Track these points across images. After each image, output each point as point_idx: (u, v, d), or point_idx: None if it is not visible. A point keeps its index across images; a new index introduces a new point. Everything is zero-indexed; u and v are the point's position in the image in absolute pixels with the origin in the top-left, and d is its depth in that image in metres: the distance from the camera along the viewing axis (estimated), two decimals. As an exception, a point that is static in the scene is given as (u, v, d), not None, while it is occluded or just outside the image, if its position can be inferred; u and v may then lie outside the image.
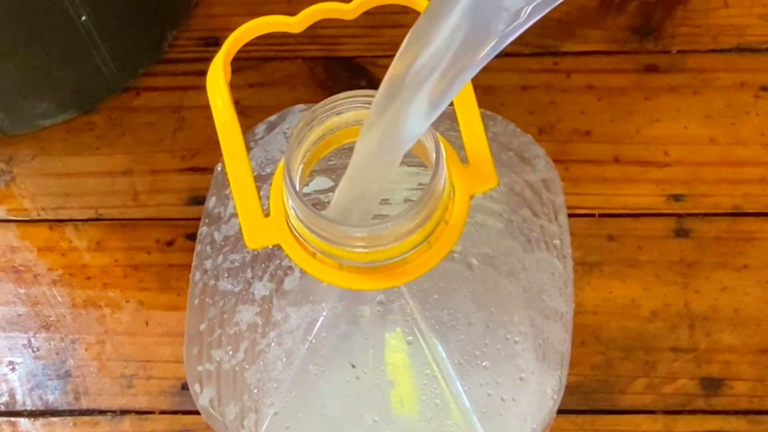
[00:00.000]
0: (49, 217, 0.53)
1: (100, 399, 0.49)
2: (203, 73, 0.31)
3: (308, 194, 0.35)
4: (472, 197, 0.31)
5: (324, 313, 0.34)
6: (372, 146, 0.28)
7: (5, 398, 0.49)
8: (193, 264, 0.37)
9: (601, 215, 0.52)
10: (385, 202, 0.35)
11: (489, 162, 0.31)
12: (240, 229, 0.30)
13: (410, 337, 0.34)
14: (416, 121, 0.27)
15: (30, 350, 0.50)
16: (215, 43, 0.58)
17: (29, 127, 0.56)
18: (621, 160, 0.53)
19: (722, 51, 0.56)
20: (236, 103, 0.31)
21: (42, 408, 0.49)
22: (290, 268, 0.35)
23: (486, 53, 0.26)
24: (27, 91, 0.54)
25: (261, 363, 0.35)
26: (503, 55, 0.60)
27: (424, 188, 0.28)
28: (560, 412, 0.40)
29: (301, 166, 0.30)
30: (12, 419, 0.49)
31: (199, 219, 0.37)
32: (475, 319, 0.35)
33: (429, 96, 0.27)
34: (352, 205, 0.30)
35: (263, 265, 0.35)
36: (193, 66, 0.57)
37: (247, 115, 0.53)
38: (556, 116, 0.54)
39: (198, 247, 0.37)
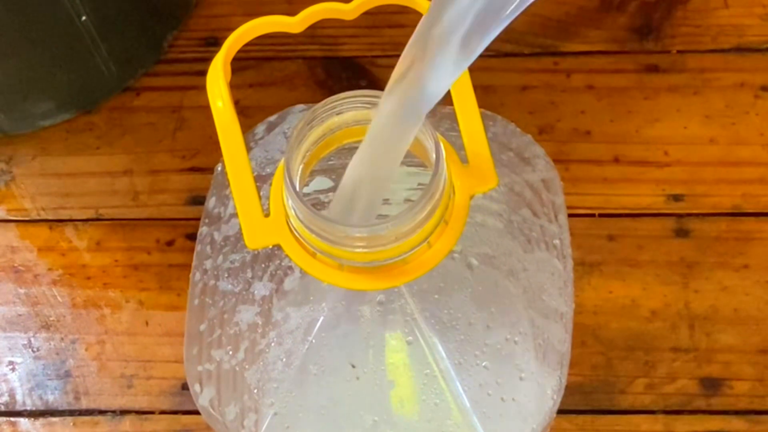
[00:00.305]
0: (49, 217, 0.53)
1: (100, 399, 0.49)
2: (203, 73, 0.31)
3: (308, 194, 0.35)
4: (472, 197, 0.31)
5: (324, 313, 0.34)
6: (392, 109, 0.27)
7: (5, 398, 0.49)
8: (193, 264, 0.37)
9: (601, 215, 0.52)
10: (385, 202, 0.35)
11: (489, 162, 0.31)
12: (240, 229, 0.30)
13: (410, 337, 0.34)
14: (443, 74, 0.27)
15: (30, 350, 0.50)
16: (215, 43, 0.58)
17: (29, 127, 0.56)
18: (621, 160, 0.53)
19: (722, 51, 0.55)
20: (236, 103, 0.31)
21: (42, 408, 0.49)
22: (290, 268, 0.35)
23: None
24: (27, 91, 0.54)
25: (261, 363, 0.35)
26: (503, 54, 0.60)
27: (424, 188, 0.28)
28: (560, 412, 0.40)
29: (301, 166, 0.30)
30: (12, 419, 0.49)
31: (199, 219, 0.37)
32: (475, 319, 0.35)
33: (460, 45, 0.26)
34: (360, 189, 0.29)
35: (263, 265, 0.35)
36: (193, 66, 0.57)
37: (247, 115, 0.53)
38: (556, 116, 0.54)
39: (198, 247, 0.37)
